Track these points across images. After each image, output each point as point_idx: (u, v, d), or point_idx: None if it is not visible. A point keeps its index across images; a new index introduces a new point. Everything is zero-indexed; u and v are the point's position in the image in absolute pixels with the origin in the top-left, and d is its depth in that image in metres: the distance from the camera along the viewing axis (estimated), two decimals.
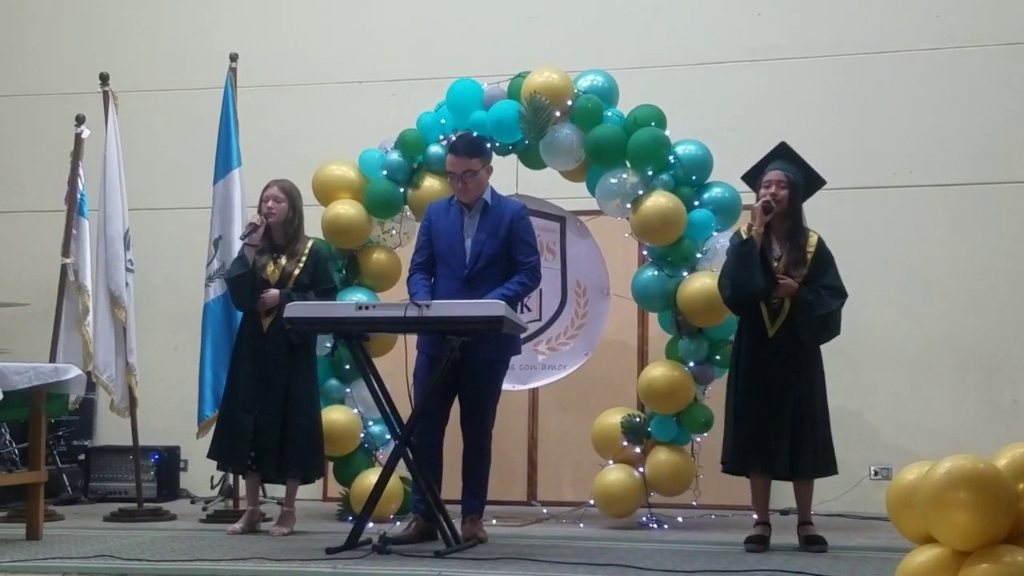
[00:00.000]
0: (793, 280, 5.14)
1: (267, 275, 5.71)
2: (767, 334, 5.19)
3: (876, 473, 6.70)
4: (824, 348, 5.30)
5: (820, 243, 5.24)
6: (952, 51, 7.12)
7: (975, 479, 3.18)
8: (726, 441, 5.29)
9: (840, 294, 5.20)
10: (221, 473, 6.61)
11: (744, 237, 5.21)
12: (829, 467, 5.24)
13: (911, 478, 3.42)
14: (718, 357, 6.03)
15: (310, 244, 5.84)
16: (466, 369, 5.22)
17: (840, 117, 7.18)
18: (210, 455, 5.83)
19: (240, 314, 5.96)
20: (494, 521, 5.91)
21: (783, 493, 5.63)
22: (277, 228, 5.75)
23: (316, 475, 5.87)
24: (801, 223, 5.28)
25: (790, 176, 5.22)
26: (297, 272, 5.72)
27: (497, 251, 5.38)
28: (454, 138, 5.89)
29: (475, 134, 5.91)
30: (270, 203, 5.73)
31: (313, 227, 6.38)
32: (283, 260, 5.74)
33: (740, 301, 5.26)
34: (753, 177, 5.35)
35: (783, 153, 5.35)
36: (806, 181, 5.32)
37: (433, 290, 5.40)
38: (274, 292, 5.66)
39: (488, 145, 5.78)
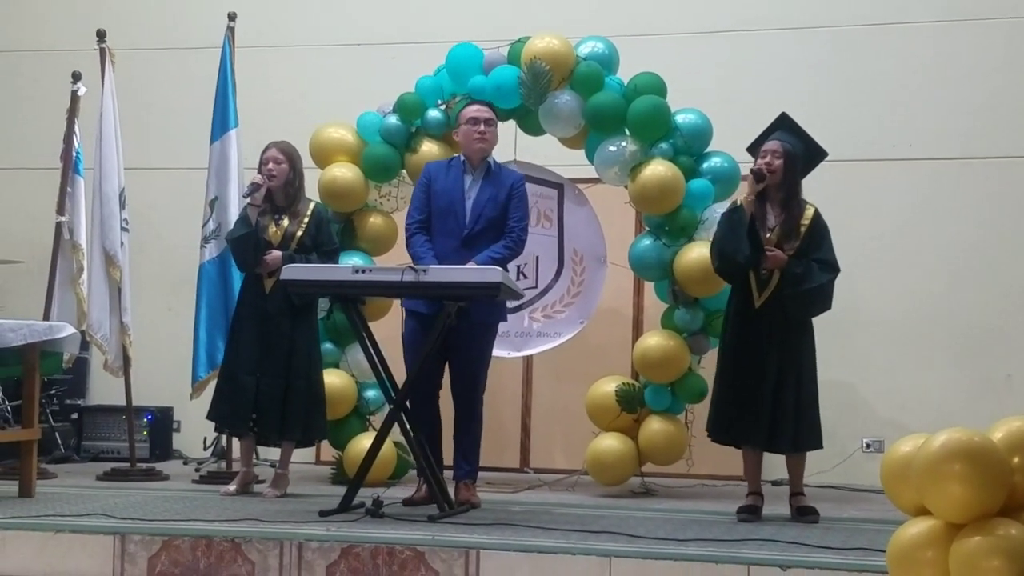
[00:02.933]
0: (784, 252, 5.12)
1: (269, 236, 5.68)
2: (754, 305, 5.17)
3: (868, 446, 6.72)
4: (816, 321, 5.29)
5: (816, 216, 5.20)
6: (946, 24, 7.07)
7: (970, 452, 3.19)
8: (710, 409, 5.30)
9: (832, 268, 5.16)
10: (215, 435, 6.60)
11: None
12: (812, 442, 5.19)
13: (906, 450, 3.43)
14: (713, 327, 6.03)
15: (312, 206, 5.81)
16: (457, 334, 5.22)
17: (836, 89, 7.14)
18: (210, 416, 5.81)
19: (237, 275, 5.93)
20: (486, 486, 5.93)
21: (776, 464, 5.65)
22: (278, 190, 5.71)
23: (318, 436, 5.88)
24: (797, 195, 5.22)
25: (787, 146, 5.18)
26: (300, 233, 5.69)
27: (497, 214, 5.39)
28: (457, 100, 5.95)
29: None
30: (270, 165, 5.69)
31: (310, 190, 6.35)
32: (285, 221, 5.71)
33: (726, 270, 5.25)
34: (755, 148, 5.32)
35: (784, 124, 5.32)
36: (807, 153, 5.27)
37: None
38: (277, 254, 5.63)
39: None
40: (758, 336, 5.13)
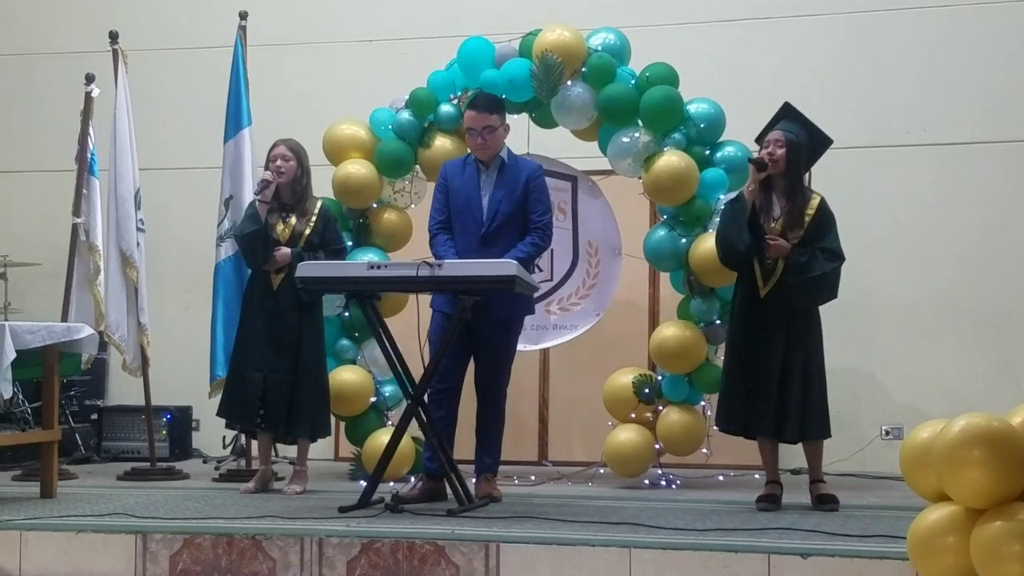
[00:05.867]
0: (788, 241, 5.10)
1: (277, 234, 5.69)
2: (759, 294, 5.15)
3: (887, 433, 6.70)
4: (834, 308, 5.27)
5: (822, 205, 5.17)
6: (962, 8, 7.05)
7: (990, 437, 3.19)
8: (719, 400, 5.30)
9: (836, 257, 5.12)
10: (233, 432, 6.63)
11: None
12: (819, 431, 5.16)
13: (925, 436, 3.43)
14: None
15: (319, 204, 5.81)
16: (481, 328, 5.23)
17: (852, 76, 7.12)
18: (219, 413, 5.85)
19: (249, 272, 5.95)
20: (513, 480, 5.93)
21: (795, 453, 5.64)
22: (286, 187, 5.72)
23: (324, 433, 5.87)
24: (800, 183, 5.19)
25: (789, 136, 5.14)
26: (308, 232, 5.70)
27: (514, 209, 5.38)
28: (469, 94, 5.92)
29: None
30: (279, 162, 5.69)
31: (323, 187, 6.37)
32: (293, 219, 5.71)
33: (729, 259, 5.24)
34: (761, 139, 5.30)
35: (787, 113, 5.28)
36: (811, 142, 5.24)
37: None
38: (286, 251, 5.64)
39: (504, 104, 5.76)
40: (764, 325, 5.11)
